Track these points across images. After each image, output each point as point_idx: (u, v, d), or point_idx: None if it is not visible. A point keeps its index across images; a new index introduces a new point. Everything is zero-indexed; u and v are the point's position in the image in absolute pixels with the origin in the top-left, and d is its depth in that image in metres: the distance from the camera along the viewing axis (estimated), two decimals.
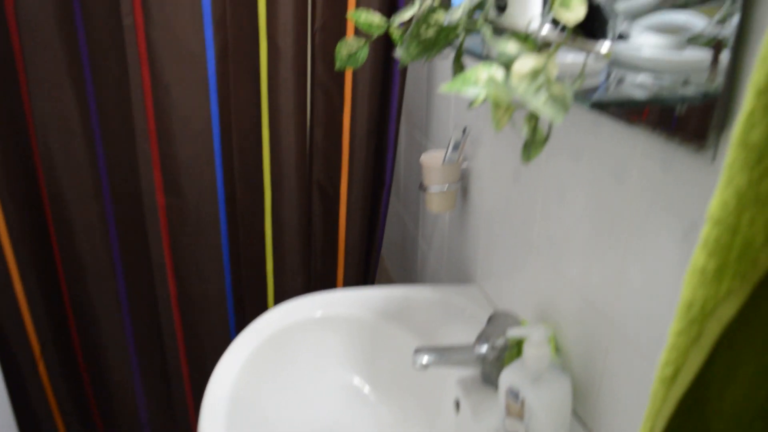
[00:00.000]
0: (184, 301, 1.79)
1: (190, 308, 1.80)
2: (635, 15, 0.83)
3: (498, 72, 0.60)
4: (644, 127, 0.75)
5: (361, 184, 1.76)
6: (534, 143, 0.64)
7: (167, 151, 1.62)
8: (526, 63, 0.59)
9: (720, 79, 0.65)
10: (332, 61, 1.65)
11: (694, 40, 0.76)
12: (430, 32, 0.85)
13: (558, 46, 0.60)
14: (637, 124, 0.76)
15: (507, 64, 0.62)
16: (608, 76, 0.80)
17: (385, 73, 1.68)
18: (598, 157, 0.88)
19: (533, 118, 0.65)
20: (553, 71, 0.60)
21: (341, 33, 1.62)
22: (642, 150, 0.78)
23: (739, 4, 0.65)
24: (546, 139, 0.63)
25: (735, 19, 0.66)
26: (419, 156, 1.52)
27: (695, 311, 0.41)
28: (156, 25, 1.51)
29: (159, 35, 1.52)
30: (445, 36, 0.85)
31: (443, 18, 0.83)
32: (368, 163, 1.75)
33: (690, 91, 0.66)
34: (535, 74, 0.58)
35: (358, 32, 1.60)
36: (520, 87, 0.57)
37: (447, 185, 1.41)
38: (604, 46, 0.57)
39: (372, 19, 1.06)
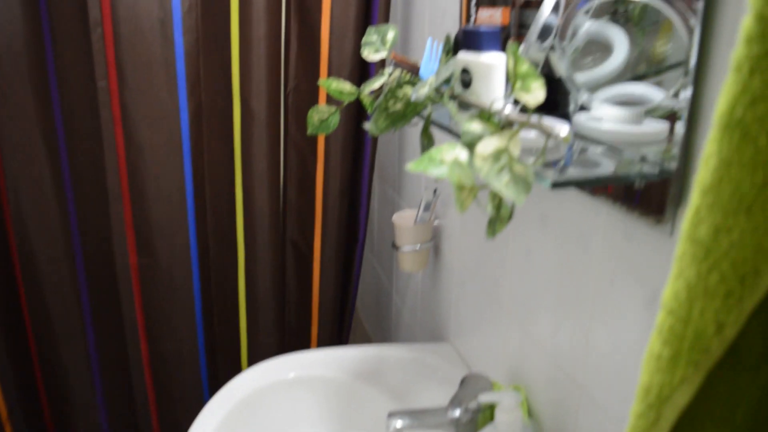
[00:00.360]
0: (156, 360, 1.77)
1: (163, 368, 1.78)
2: (594, 87, 0.87)
3: (462, 153, 0.62)
4: (606, 198, 0.77)
5: (335, 242, 1.77)
6: (498, 220, 0.66)
7: (140, 211, 1.63)
8: (489, 144, 0.61)
9: (675, 150, 0.68)
10: (305, 121, 1.67)
11: (651, 112, 0.80)
12: (398, 106, 0.87)
13: (520, 127, 0.63)
14: (599, 196, 0.79)
15: (471, 144, 0.64)
16: (571, 146, 0.83)
17: (357, 131, 1.71)
18: (563, 224, 0.91)
19: (497, 197, 0.67)
20: (516, 151, 0.62)
21: (314, 94, 1.65)
22: (605, 219, 0.80)
23: (691, 78, 0.68)
24: (510, 216, 0.65)
25: (688, 92, 0.69)
26: (393, 210, 1.53)
27: (652, 396, 0.42)
28: (130, 88, 1.52)
29: (133, 97, 1.53)
30: (413, 109, 0.87)
31: (411, 93, 0.86)
32: (342, 220, 1.76)
33: (647, 168, 0.69)
34: (497, 155, 0.61)
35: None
36: (483, 168, 0.59)
37: (419, 245, 1.42)
38: (564, 130, 0.59)
39: (343, 86, 1.08)
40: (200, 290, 1.76)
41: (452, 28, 1.30)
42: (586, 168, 0.73)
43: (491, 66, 0.77)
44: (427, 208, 1.38)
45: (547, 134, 0.61)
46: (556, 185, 0.64)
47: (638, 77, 0.85)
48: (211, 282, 1.75)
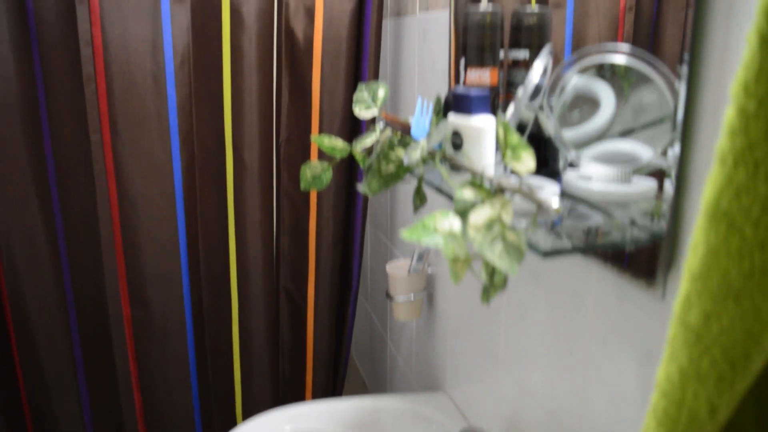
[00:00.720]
0: (150, 412, 1.76)
1: (156, 420, 1.77)
2: (583, 144, 0.88)
3: (455, 222, 0.63)
4: (597, 258, 0.78)
5: (329, 290, 1.77)
6: (492, 287, 0.67)
7: (133, 263, 1.63)
8: (482, 213, 0.62)
9: (665, 211, 0.69)
10: (297, 171, 1.69)
11: (639, 170, 0.81)
12: (391, 167, 0.88)
13: (512, 195, 0.64)
14: (591, 256, 0.79)
15: (463, 212, 0.65)
16: (560, 218, 0.84)
17: (349, 180, 1.72)
18: (555, 280, 0.91)
19: (490, 265, 0.68)
20: (508, 218, 0.63)
21: (306, 145, 1.66)
22: (597, 278, 0.81)
23: (678, 134, 0.69)
24: (504, 284, 0.66)
25: (676, 149, 0.70)
26: (386, 256, 1.54)
27: None
28: (123, 141, 1.54)
29: (126, 150, 1.54)
30: (405, 169, 0.88)
31: (403, 155, 0.87)
32: (335, 269, 1.76)
33: (637, 232, 0.69)
34: (490, 224, 0.61)
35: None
36: (476, 239, 0.60)
37: (413, 295, 1.43)
38: (554, 201, 0.60)
39: (335, 143, 1.09)
40: (194, 340, 1.75)
41: (441, 86, 1.33)
42: (576, 232, 0.74)
43: (481, 129, 0.78)
44: (421, 258, 1.39)
45: (538, 204, 0.62)
46: (548, 255, 0.65)
47: (626, 132, 0.86)
48: (205, 332, 1.74)
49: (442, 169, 0.78)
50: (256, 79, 1.55)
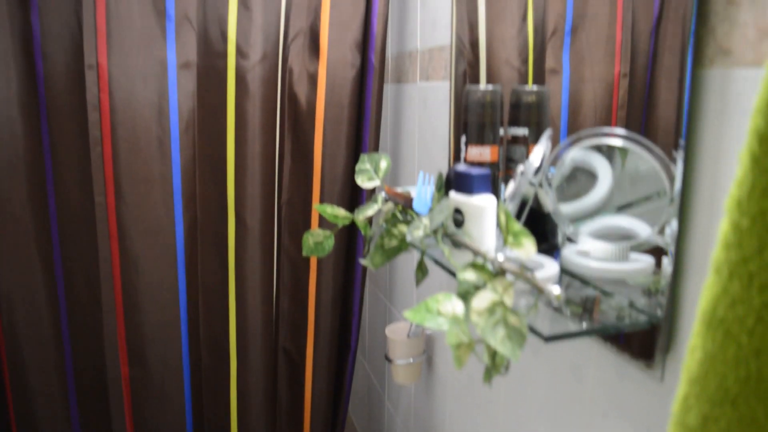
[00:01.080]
0: None
1: None
2: (581, 218, 0.90)
3: (458, 305, 0.65)
4: (597, 336, 0.80)
5: (327, 350, 1.78)
6: (495, 369, 0.68)
7: (133, 323, 1.63)
8: (484, 298, 0.64)
9: (663, 287, 0.71)
10: (298, 233, 1.71)
11: (637, 247, 0.83)
12: (394, 242, 0.90)
13: (515, 280, 0.66)
14: (591, 335, 0.81)
15: (466, 294, 0.66)
16: (560, 280, 0.86)
17: (349, 240, 1.74)
18: (556, 351, 0.93)
19: (492, 348, 0.69)
20: (510, 301, 0.65)
21: (307, 207, 1.68)
22: (597, 354, 0.82)
23: (676, 211, 0.71)
24: (507, 367, 0.67)
25: (674, 226, 0.72)
26: (385, 315, 1.54)
27: None
28: (127, 203, 1.56)
29: (130, 212, 1.56)
30: (408, 244, 0.90)
31: (405, 230, 0.89)
32: (334, 329, 1.77)
33: (636, 314, 0.71)
34: (492, 308, 0.63)
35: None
36: (479, 323, 0.62)
37: (412, 358, 1.43)
38: (555, 288, 0.62)
39: (337, 212, 1.12)
40: (191, 401, 1.74)
41: (442, 155, 1.36)
42: (575, 307, 0.76)
43: (483, 208, 0.80)
44: None
45: (539, 290, 0.63)
46: (550, 339, 0.66)
47: (624, 206, 0.89)
48: (203, 392, 1.74)
49: (445, 248, 0.80)
50: (260, 143, 1.58)
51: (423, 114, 1.49)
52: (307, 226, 1.71)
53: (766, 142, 0.38)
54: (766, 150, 0.38)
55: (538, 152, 0.82)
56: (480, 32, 1.27)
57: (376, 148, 1.65)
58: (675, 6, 0.73)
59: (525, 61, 1.14)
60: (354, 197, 1.71)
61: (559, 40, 1.06)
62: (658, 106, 0.80)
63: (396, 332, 1.46)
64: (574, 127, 1.00)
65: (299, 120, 1.64)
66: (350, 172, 1.65)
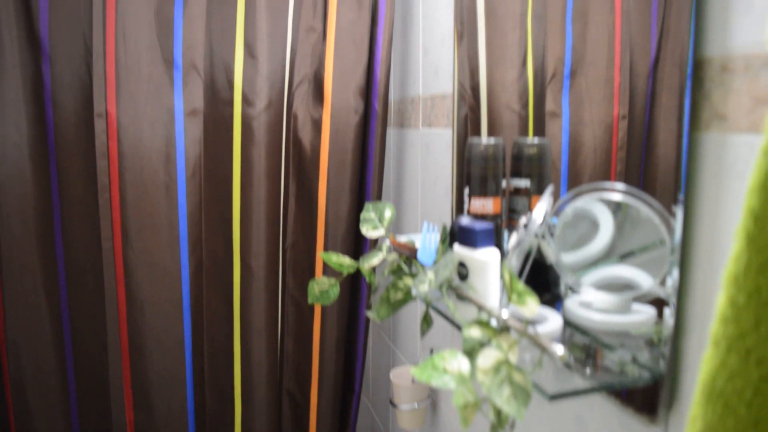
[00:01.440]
0: None
1: None
2: (583, 268, 0.92)
3: (464, 363, 0.66)
4: (600, 391, 0.80)
5: (331, 393, 1.78)
6: (500, 425, 0.69)
7: (139, 366, 1.64)
8: (490, 356, 0.65)
9: (666, 333, 0.72)
10: (303, 275, 1.72)
11: (639, 298, 0.84)
12: (399, 295, 0.92)
13: (519, 338, 0.67)
14: (595, 392, 0.82)
15: (471, 351, 0.68)
16: (563, 333, 0.87)
17: (353, 283, 1.75)
18: (560, 405, 0.93)
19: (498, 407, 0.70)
20: (514, 358, 0.66)
21: (311, 249, 1.70)
22: (600, 408, 0.83)
23: (676, 260, 0.72)
24: (512, 425, 0.68)
25: (675, 274, 0.73)
26: (389, 357, 1.54)
27: None
28: (134, 248, 1.57)
29: (136, 257, 1.58)
30: (413, 296, 0.92)
31: (410, 283, 0.90)
32: (338, 372, 1.77)
33: (639, 370, 0.72)
34: (497, 367, 0.64)
35: (326, 251, 1.68)
36: (485, 383, 0.63)
37: (417, 403, 1.43)
38: (559, 348, 0.63)
39: (342, 260, 1.13)
40: None
41: (444, 206, 1.37)
42: (579, 368, 0.77)
43: (486, 263, 0.82)
44: None
45: (543, 349, 0.65)
46: (555, 398, 0.67)
47: (625, 255, 0.90)
48: None
49: (449, 303, 0.82)
50: (265, 188, 1.61)
51: (426, 159, 1.51)
52: (311, 269, 1.73)
53: (760, 221, 0.39)
54: (761, 229, 0.39)
55: (541, 209, 0.84)
56: (481, 77, 1.29)
57: (379, 193, 1.68)
58: (672, 47, 0.75)
59: (525, 105, 1.16)
60: (358, 241, 1.73)
61: (558, 84, 1.09)
62: (657, 145, 0.82)
63: (400, 377, 1.47)
64: (575, 169, 1.02)
65: (303, 165, 1.66)
66: (354, 216, 1.67)
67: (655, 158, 0.81)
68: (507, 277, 0.67)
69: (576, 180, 1.01)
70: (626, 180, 0.87)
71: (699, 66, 0.65)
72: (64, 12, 1.51)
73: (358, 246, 1.74)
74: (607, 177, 0.94)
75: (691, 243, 0.69)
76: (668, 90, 0.78)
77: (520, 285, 0.66)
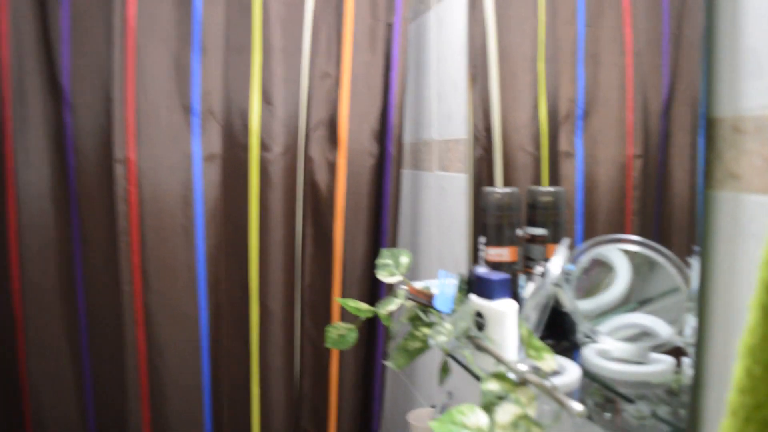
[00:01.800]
0: None
1: None
2: (601, 315, 0.92)
3: (482, 418, 0.67)
4: None
5: None
6: None
7: (158, 409, 1.64)
8: (508, 411, 0.66)
9: (686, 381, 0.72)
10: (320, 316, 1.73)
11: (657, 348, 0.84)
12: (417, 344, 0.93)
13: (537, 393, 0.68)
14: None
15: (489, 405, 0.68)
16: (581, 384, 0.87)
17: (370, 325, 1.76)
18: None
19: None
20: (533, 412, 0.67)
21: (328, 290, 1.72)
22: None
23: (695, 307, 0.73)
24: None
25: (693, 323, 0.73)
26: (406, 397, 1.54)
27: None
28: (153, 291, 1.59)
29: (156, 300, 1.60)
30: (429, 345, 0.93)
31: (428, 332, 0.91)
32: (356, 412, 1.78)
33: (657, 425, 0.72)
34: (516, 422, 0.65)
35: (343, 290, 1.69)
36: None
37: None
38: (578, 405, 0.64)
39: (359, 306, 1.14)
40: None
41: (460, 251, 1.38)
42: (598, 421, 0.77)
43: (503, 313, 0.83)
44: (443, 410, 1.40)
45: (560, 404, 0.65)
46: None
47: (643, 302, 0.90)
48: None
49: (467, 354, 0.82)
50: (282, 231, 1.63)
51: (441, 203, 1.53)
52: (328, 310, 1.74)
53: None
54: None
55: (557, 262, 0.85)
56: (494, 119, 1.31)
57: (394, 234, 1.69)
58: (684, 88, 0.77)
59: (538, 146, 1.18)
60: (374, 282, 1.74)
61: (571, 125, 1.10)
62: (672, 186, 0.83)
63: (419, 419, 1.47)
64: (591, 208, 1.02)
65: (320, 207, 1.68)
66: (370, 257, 1.69)
67: (670, 200, 0.82)
68: (524, 333, 0.68)
69: (591, 219, 1.02)
70: (642, 219, 0.89)
71: (711, 125, 0.66)
72: (85, 61, 1.55)
73: (374, 287, 1.75)
74: (622, 216, 0.95)
75: (708, 295, 0.69)
76: (682, 130, 0.79)
77: (537, 341, 0.67)
